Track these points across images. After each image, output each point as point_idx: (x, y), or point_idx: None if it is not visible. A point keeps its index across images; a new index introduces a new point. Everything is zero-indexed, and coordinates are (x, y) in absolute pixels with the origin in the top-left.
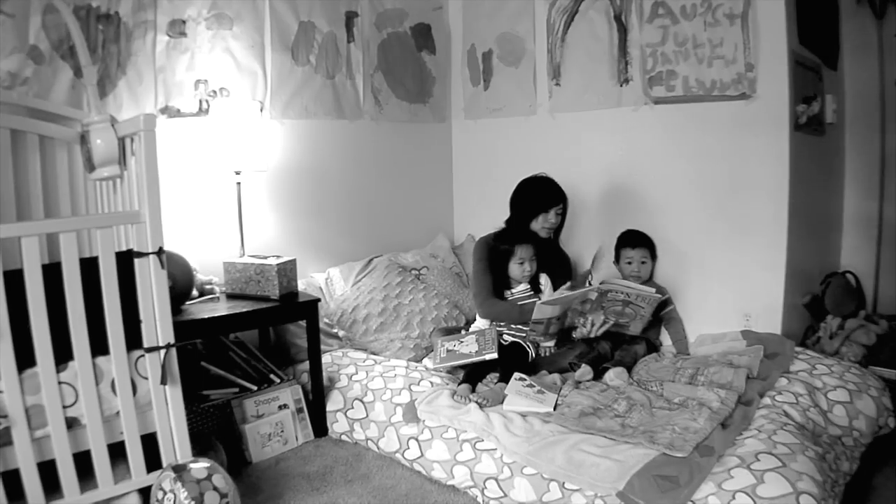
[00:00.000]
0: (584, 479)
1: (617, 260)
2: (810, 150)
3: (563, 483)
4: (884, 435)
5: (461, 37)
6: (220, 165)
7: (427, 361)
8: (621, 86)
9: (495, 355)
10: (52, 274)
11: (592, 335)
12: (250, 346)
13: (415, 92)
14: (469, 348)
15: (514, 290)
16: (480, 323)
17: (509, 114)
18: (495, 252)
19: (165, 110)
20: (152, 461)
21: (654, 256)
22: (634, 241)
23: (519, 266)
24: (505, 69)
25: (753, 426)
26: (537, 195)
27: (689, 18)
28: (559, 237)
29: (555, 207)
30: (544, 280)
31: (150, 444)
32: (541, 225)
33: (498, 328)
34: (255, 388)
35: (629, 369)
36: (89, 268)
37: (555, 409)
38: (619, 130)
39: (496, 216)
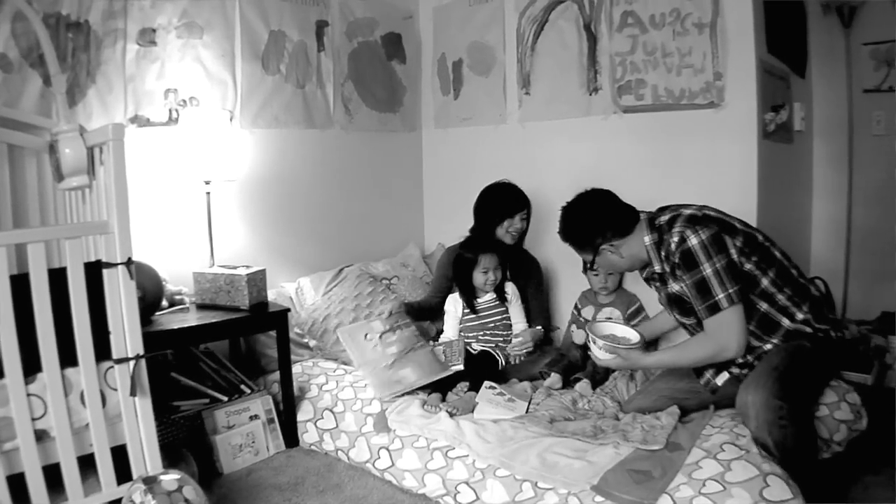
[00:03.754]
0: (558, 477)
1: (585, 269)
2: (779, 157)
3: (536, 482)
4: (859, 437)
5: (431, 46)
6: (189, 175)
7: None
8: (591, 95)
9: (461, 367)
10: (21, 285)
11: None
12: (221, 356)
13: (385, 101)
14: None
15: (479, 300)
16: (450, 333)
17: (479, 123)
18: (460, 261)
19: (135, 119)
20: (122, 473)
21: None
22: None
23: (483, 275)
24: (475, 78)
25: (716, 424)
26: (502, 200)
27: (659, 28)
28: (523, 244)
29: (520, 213)
30: (510, 290)
31: (120, 455)
32: (505, 230)
33: (466, 338)
34: (225, 398)
35: (602, 383)
36: (58, 278)
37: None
38: (589, 139)
39: (466, 225)
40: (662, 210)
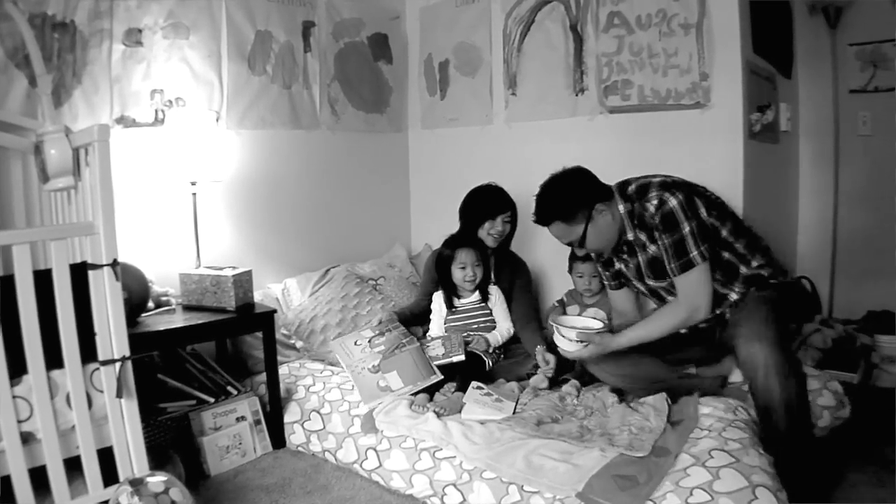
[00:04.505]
0: (544, 481)
1: (570, 271)
2: (765, 157)
3: (522, 486)
4: (844, 426)
5: (418, 46)
6: (175, 176)
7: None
8: (577, 95)
9: (463, 357)
10: (6, 286)
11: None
12: (207, 357)
13: (371, 102)
14: (435, 352)
15: (461, 300)
16: (435, 331)
17: (466, 123)
18: (440, 259)
19: (121, 120)
20: (109, 475)
21: None
22: (586, 254)
23: (460, 271)
24: (461, 79)
25: (704, 425)
26: (485, 202)
27: (645, 28)
28: (509, 246)
29: (502, 215)
30: (493, 291)
31: (106, 457)
32: (487, 232)
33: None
34: (212, 400)
35: (590, 384)
36: (43, 280)
37: (513, 415)
38: (575, 140)
39: (453, 225)
40: (625, 182)
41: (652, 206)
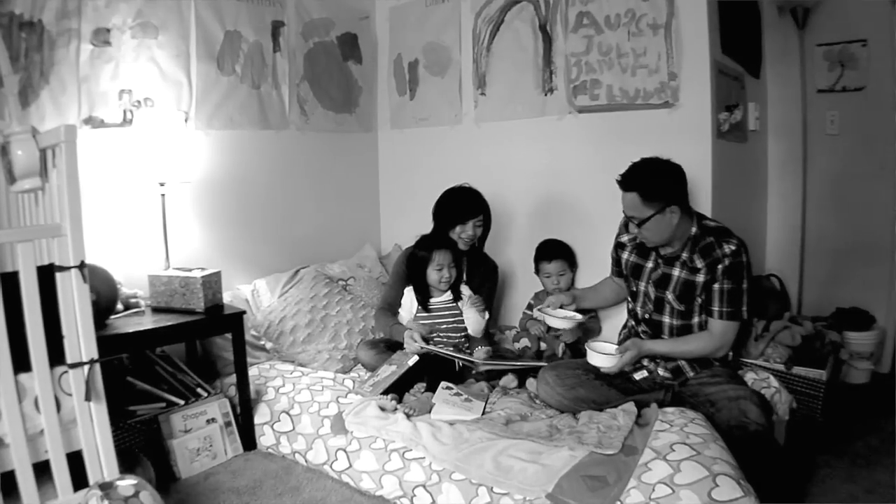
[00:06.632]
0: (513, 483)
1: (537, 272)
2: (733, 156)
3: (492, 487)
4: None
5: (387, 46)
6: (144, 177)
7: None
8: (546, 95)
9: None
10: None
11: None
12: (177, 359)
13: (341, 101)
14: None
15: (434, 299)
16: (405, 319)
17: (435, 123)
18: (414, 259)
19: (89, 121)
20: (79, 479)
21: (573, 265)
22: (551, 253)
23: (437, 272)
24: (431, 79)
25: (664, 419)
26: (456, 206)
27: (614, 28)
28: (482, 248)
29: (473, 219)
30: (466, 290)
31: (76, 461)
32: (458, 235)
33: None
34: (182, 402)
35: None
36: (10, 282)
37: (482, 415)
38: (544, 139)
39: (422, 226)
40: (704, 215)
41: (729, 249)
